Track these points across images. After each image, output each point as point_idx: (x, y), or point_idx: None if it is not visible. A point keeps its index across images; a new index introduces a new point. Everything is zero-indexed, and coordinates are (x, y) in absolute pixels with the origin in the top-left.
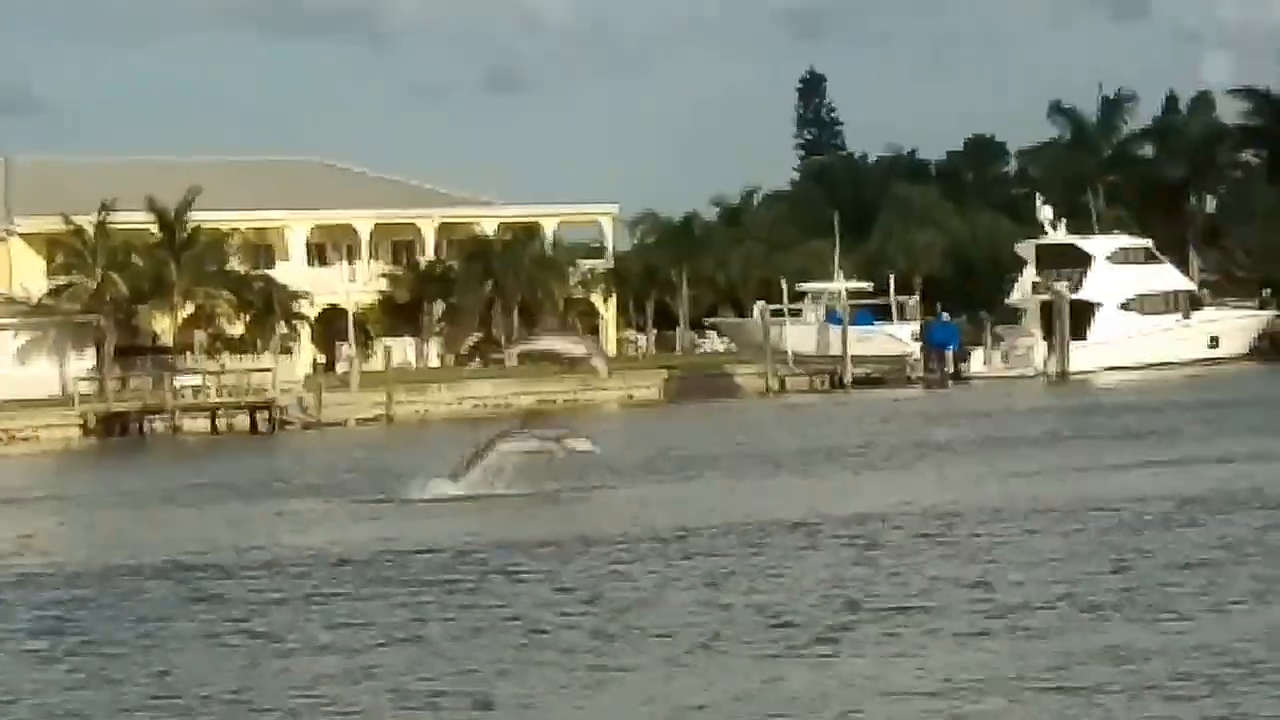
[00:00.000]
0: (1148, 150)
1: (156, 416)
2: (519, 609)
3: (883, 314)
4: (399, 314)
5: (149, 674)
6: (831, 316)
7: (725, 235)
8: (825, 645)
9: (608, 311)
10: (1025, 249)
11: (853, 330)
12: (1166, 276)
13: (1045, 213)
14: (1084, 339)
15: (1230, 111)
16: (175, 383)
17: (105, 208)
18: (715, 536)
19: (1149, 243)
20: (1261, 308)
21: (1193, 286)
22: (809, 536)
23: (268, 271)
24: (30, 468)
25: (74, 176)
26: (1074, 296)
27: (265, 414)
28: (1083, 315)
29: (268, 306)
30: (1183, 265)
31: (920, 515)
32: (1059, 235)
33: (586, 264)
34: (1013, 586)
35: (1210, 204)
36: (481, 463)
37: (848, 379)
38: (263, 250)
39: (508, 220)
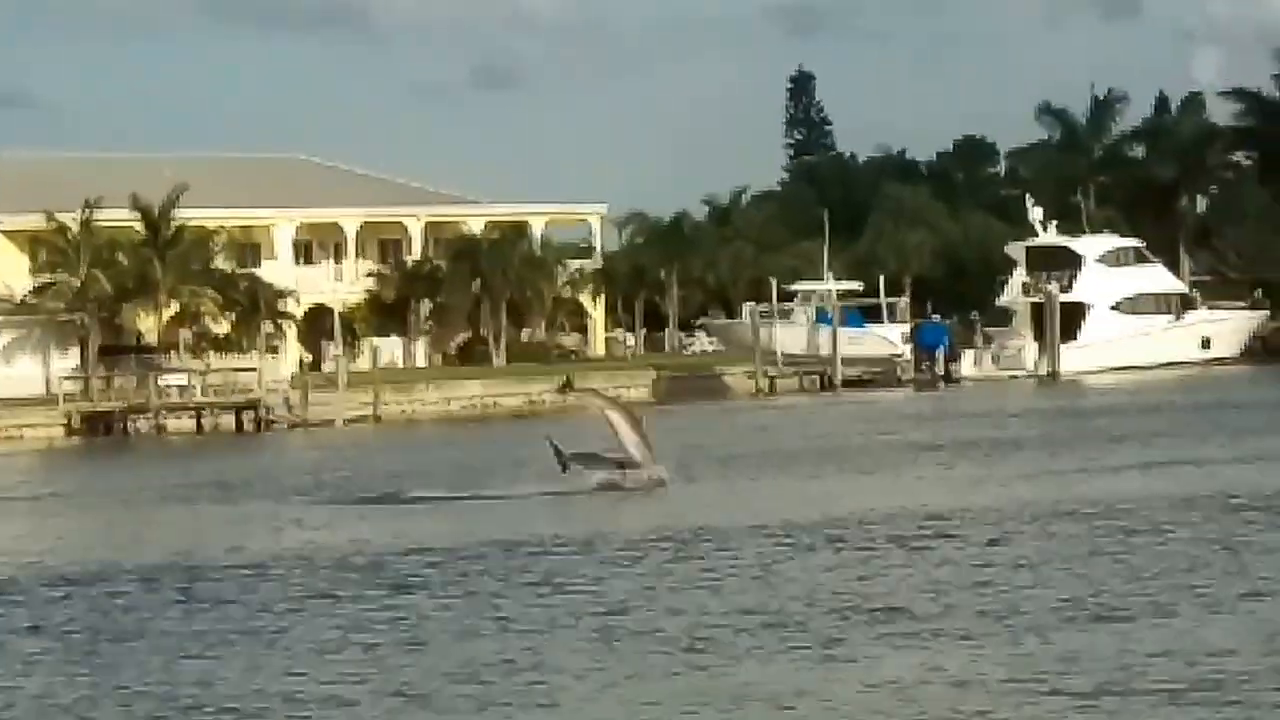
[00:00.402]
0: (1138, 151)
1: (141, 416)
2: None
3: (873, 315)
4: (386, 313)
5: (134, 674)
6: (821, 317)
7: (715, 235)
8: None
9: (596, 311)
10: (1016, 250)
11: (843, 331)
12: (1158, 278)
13: (1036, 213)
14: (1075, 340)
15: (1221, 112)
16: (160, 382)
17: (90, 205)
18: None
19: (1140, 244)
20: (1253, 309)
21: (1184, 288)
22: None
23: (253, 270)
24: (12, 467)
25: (58, 173)
26: (1065, 298)
27: (251, 414)
28: (1073, 316)
29: (253, 305)
30: (1174, 266)
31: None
32: (1049, 236)
33: (575, 263)
34: (1005, 589)
35: (1201, 205)
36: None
37: (838, 380)
38: (249, 248)
39: (495, 219)
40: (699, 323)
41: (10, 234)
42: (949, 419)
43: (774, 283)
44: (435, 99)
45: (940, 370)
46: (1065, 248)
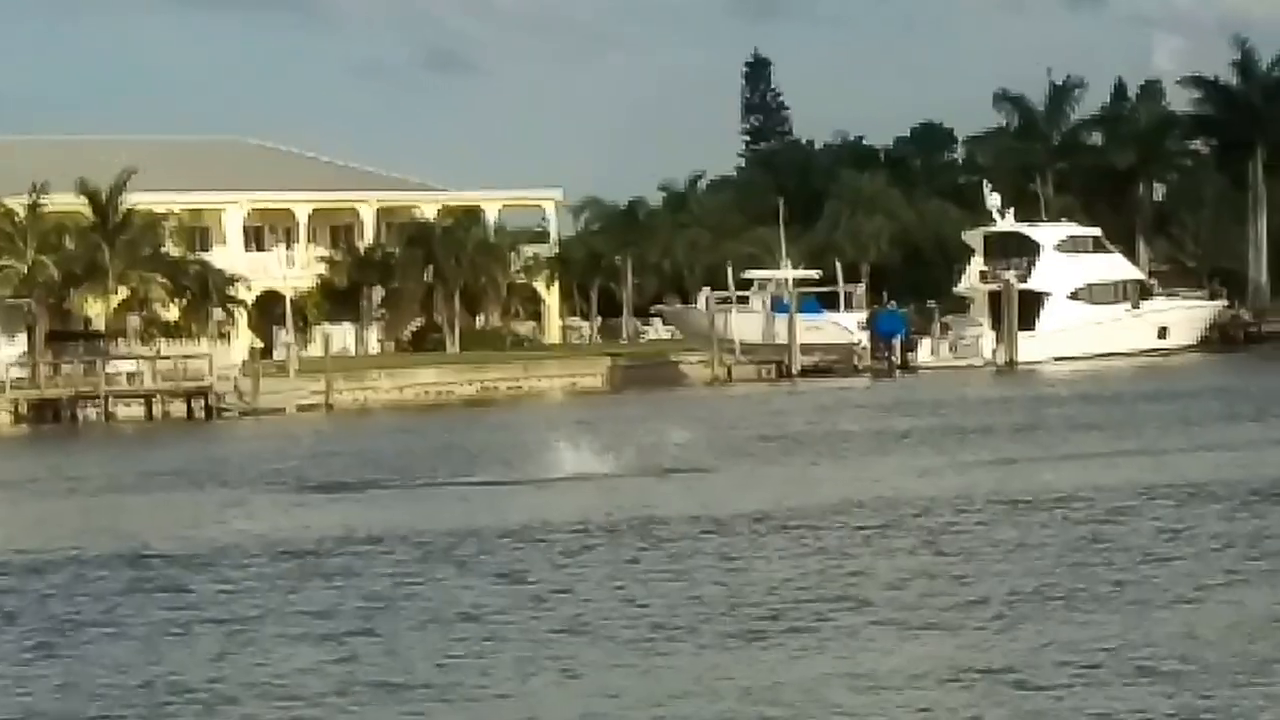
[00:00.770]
0: (1096, 138)
1: (89, 403)
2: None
3: (830, 303)
4: (338, 299)
5: (84, 663)
6: (778, 305)
7: (671, 222)
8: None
9: (551, 298)
10: (973, 237)
11: (800, 319)
12: (1115, 266)
13: (993, 201)
14: (1032, 329)
15: (1180, 100)
16: (109, 369)
17: (37, 189)
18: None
19: (1098, 231)
20: (1210, 298)
21: (1142, 276)
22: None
23: (204, 255)
24: None
25: (4, 157)
26: (1022, 286)
27: (201, 401)
28: (1031, 305)
29: (204, 291)
30: (1131, 254)
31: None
32: (1007, 224)
33: (529, 250)
34: (964, 578)
35: (1159, 193)
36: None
37: (795, 368)
38: (198, 233)
39: (449, 205)
40: (655, 310)
41: None
42: (905, 408)
43: (730, 270)
44: (390, 83)
45: (897, 359)
46: (1023, 235)
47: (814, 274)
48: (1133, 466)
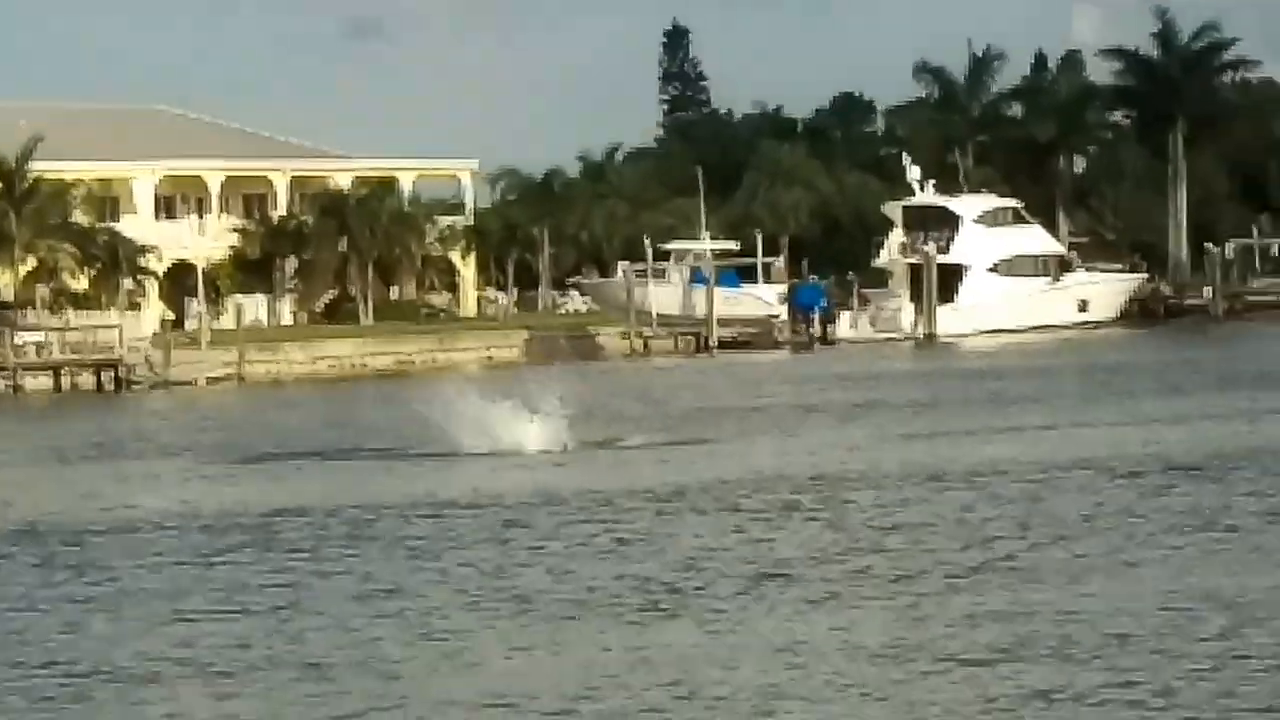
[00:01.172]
0: (1016, 110)
1: None
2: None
3: (749, 275)
4: (250, 270)
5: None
6: (697, 277)
7: (589, 192)
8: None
9: (467, 270)
10: (893, 210)
11: (718, 291)
12: (1035, 239)
13: (913, 173)
14: (952, 302)
15: (1100, 71)
16: (16, 340)
17: None
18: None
19: (1018, 204)
20: (1130, 271)
21: (1062, 249)
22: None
23: (113, 225)
24: None
25: None
26: (942, 259)
27: (111, 373)
28: (951, 278)
29: (113, 261)
30: (1051, 227)
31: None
32: (927, 196)
33: (445, 220)
34: (888, 553)
35: (1079, 165)
36: None
37: (713, 341)
38: (108, 202)
39: (364, 174)
40: (572, 282)
41: None
42: (823, 381)
43: (648, 241)
44: (303, 50)
45: (817, 332)
46: (943, 207)
47: (733, 245)
48: (1053, 440)
